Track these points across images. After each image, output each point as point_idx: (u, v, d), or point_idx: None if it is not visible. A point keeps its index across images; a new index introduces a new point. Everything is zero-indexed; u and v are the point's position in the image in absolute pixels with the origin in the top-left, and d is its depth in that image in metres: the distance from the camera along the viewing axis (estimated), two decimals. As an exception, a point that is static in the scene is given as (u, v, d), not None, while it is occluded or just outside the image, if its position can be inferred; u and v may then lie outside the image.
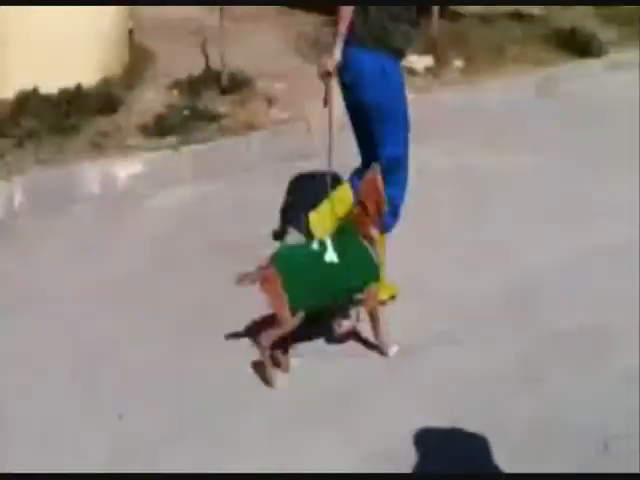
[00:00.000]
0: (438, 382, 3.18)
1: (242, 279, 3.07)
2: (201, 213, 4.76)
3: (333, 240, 3.15)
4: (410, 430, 2.87)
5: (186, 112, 5.62)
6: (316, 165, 4.21)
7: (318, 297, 3.10)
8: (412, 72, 6.93)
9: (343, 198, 3.52)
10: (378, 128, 3.48)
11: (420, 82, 6.80)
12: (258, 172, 5.18)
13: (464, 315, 3.60)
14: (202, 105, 5.78)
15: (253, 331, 3.31)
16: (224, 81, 6.08)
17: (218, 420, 3.01)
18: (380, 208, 3.17)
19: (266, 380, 3.12)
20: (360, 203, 3.20)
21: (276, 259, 3.10)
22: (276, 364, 3.18)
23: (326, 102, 3.52)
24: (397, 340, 3.31)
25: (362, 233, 3.16)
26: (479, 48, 7.50)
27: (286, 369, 3.20)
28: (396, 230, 3.63)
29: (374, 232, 3.20)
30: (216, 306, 3.69)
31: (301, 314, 3.06)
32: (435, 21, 7.34)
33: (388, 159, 3.44)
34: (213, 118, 5.62)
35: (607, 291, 3.78)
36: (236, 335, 3.40)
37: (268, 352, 3.09)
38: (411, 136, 3.59)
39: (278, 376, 3.16)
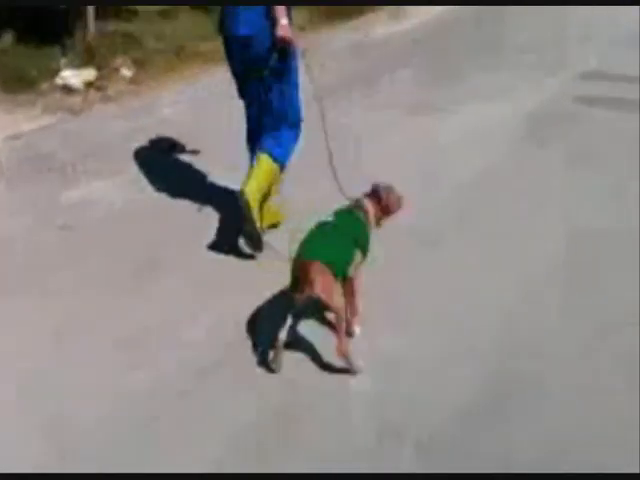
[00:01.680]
0: None
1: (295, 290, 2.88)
2: None
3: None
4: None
5: None
6: None
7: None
8: (69, 90, 5.72)
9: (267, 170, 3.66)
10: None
11: (79, 101, 5.59)
12: None
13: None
14: None
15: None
16: None
17: None
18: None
19: (354, 370, 3.01)
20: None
21: (308, 252, 2.93)
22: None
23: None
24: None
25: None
26: (155, 50, 6.43)
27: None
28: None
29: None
30: None
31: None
32: (91, 25, 6.15)
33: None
34: None
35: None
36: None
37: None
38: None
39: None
